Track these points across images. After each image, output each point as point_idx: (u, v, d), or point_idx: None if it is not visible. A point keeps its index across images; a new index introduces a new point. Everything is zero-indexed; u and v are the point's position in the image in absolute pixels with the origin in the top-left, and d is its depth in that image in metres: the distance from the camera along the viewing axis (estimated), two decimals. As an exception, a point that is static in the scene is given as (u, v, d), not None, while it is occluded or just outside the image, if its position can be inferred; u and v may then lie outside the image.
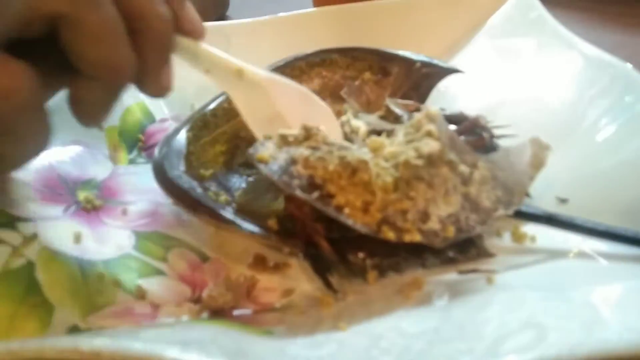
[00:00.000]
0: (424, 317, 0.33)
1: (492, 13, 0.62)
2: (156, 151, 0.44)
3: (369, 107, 0.50)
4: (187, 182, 0.41)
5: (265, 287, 0.39)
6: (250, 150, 0.38)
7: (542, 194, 0.42)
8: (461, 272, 0.38)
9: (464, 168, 0.38)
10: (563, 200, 0.42)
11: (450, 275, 0.38)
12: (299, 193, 0.36)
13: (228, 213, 0.40)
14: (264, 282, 0.40)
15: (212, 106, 0.49)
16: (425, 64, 0.51)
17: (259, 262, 0.41)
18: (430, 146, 0.37)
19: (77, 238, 0.39)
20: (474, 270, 0.37)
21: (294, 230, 0.40)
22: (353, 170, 0.37)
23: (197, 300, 0.38)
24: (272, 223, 0.40)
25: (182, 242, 0.42)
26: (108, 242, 0.40)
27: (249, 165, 0.46)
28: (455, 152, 0.38)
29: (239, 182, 0.46)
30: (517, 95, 0.52)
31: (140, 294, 0.37)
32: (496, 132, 0.45)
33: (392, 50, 0.52)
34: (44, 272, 0.35)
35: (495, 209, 0.38)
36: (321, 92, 0.51)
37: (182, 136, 0.45)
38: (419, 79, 0.51)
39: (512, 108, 0.51)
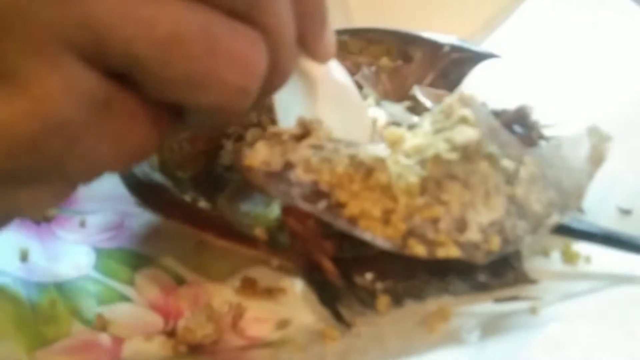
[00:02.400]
0: (452, 356, 0.32)
1: None
2: None
3: (385, 99, 0.47)
4: (159, 178, 0.40)
5: (255, 317, 0.38)
6: (237, 157, 0.36)
7: (600, 202, 0.41)
8: (497, 300, 0.36)
9: (508, 163, 0.35)
10: (626, 212, 0.41)
11: (484, 305, 0.36)
12: (301, 204, 0.34)
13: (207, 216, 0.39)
14: (254, 311, 0.38)
15: None
16: (454, 48, 0.49)
17: (248, 286, 0.39)
18: (465, 135, 0.34)
19: (24, 255, 0.39)
20: (513, 298, 0.36)
21: (287, 244, 0.38)
22: (367, 171, 0.34)
23: (170, 332, 0.36)
24: (260, 232, 0.38)
25: (153, 261, 0.41)
26: (62, 261, 0.40)
27: (235, 168, 0.43)
28: (497, 144, 0.36)
29: (222, 188, 0.44)
30: (570, 82, 0.51)
31: (101, 325, 0.36)
32: (546, 125, 0.43)
33: (415, 31, 0.50)
34: None
35: (547, 214, 0.36)
36: None
37: None
38: (447, 66, 0.49)
39: (564, 97, 0.49)
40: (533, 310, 0.35)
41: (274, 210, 0.40)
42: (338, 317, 0.36)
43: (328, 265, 0.36)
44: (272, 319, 0.38)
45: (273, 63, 0.29)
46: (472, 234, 0.34)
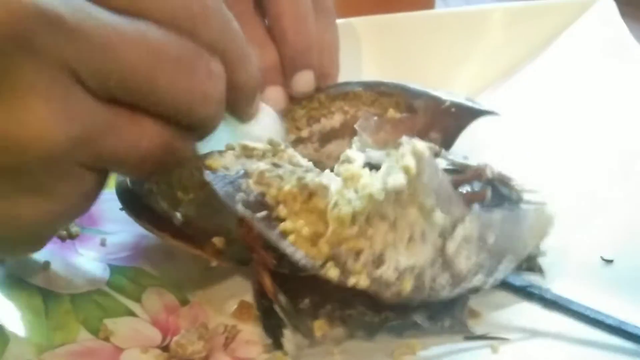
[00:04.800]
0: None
1: (561, 35, 0.61)
2: None
3: (384, 146, 0.47)
4: (139, 185, 0.40)
5: (247, 339, 0.39)
6: (203, 156, 0.38)
7: (584, 252, 0.43)
8: (467, 339, 0.38)
9: (442, 218, 0.37)
10: (608, 261, 0.42)
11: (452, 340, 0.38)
12: (239, 208, 0.35)
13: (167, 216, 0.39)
14: (247, 333, 0.39)
15: None
16: (454, 104, 0.50)
17: (244, 310, 0.41)
18: (397, 181, 0.35)
19: (46, 266, 0.41)
20: (481, 337, 0.38)
21: (243, 259, 0.39)
22: (310, 194, 0.36)
23: (166, 347, 0.38)
24: (218, 241, 0.39)
25: (161, 281, 0.43)
26: (79, 275, 0.42)
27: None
28: (437, 198, 0.37)
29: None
30: (575, 134, 0.52)
31: (105, 335, 0.38)
32: (513, 185, 0.43)
33: (420, 87, 0.52)
34: (5, 300, 0.38)
35: (473, 274, 0.37)
36: (341, 130, 0.52)
37: None
38: (446, 120, 0.51)
39: (563, 150, 0.51)
40: (493, 349, 0.37)
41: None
42: (277, 344, 0.37)
43: (267, 282, 0.37)
44: (262, 342, 0.39)
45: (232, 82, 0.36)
46: (386, 272, 0.35)
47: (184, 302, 0.42)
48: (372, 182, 0.36)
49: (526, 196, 0.43)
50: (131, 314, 0.40)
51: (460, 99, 0.51)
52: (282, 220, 0.35)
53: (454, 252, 0.37)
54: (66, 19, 0.29)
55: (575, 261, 0.43)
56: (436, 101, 0.51)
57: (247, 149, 0.39)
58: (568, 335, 0.38)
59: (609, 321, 0.36)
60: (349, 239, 0.35)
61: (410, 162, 0.36)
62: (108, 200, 0.44)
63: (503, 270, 0.38)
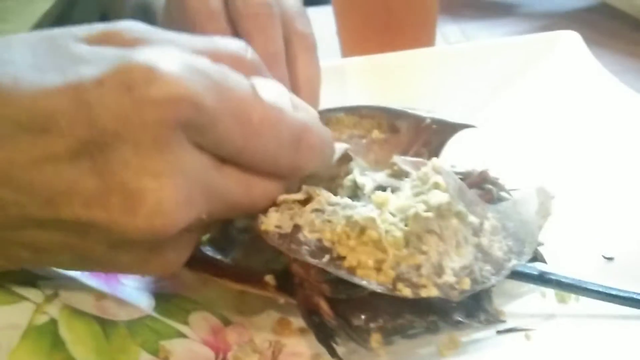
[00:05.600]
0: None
1: (536, 65, 0.66)
2: None
3: (376, 166, 0.52)
4: None
5: (292, 351, 0.42)
6: (254, 223, 0.41)
7: (586, 251, 0.47)
8: (499, 332, 0.42)
9: (473, 219, 0.41)
10: (609, 259, 0.46)
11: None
12: (309, 259, 0.39)
13: (223, 263, 0.44)
14: (290, 346, 0.43)
15: None
16: (434, 121, 0.54)
17: (284, 326, 0.44)
18: (438, 197, 0.40)
19: (98, 298, 0.42)
20: (512, 330, 0.42)
21: (292, 289, 0.42)
22: (361, 229, 0.40)
23: None
24: (269, 279, 0.43)
25: (203, 306, 0.45)
26: (127, 304, 0.43)
27: (247, 230, 0.48)
28: (464, 203, 0.42)
29: (234, 247, 0.48)
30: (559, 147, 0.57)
31: (164, 355, 0.40)
32: (505, 185, 0.49)
33: (400, 107, 0.56)
34: (67, 329, 0.39)
35: (508, 259, 0.41)
36: None
37: None
38: (429, 136, 0.55)
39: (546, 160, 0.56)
40: (527, 337, 0.41)
41: (280, 262, 0.44)
42: (332, 352, 0.40)
43: (324, 307, 0.41)
44: (307, 353, 0.42)
45: None
46: (448, 277, 0.40)
47: (227, 323, 0.45)
48: (410, 204, 0.41)
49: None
50: (183, 336, 0.43)
51: (439, 115, 0.56)
52: (343, 257, 0.40)
53: (488, 244, 0.42)
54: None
55: (576, 259, 0.46)
56: (417, 119, 0.55)
57: (287, 203, 0.42)
58: (584, 314, 0.42)
59: (622, 294, 0.40)
60: (407, 257, 0.40)
61: (439, 179, 0.41)
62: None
63: (528, 252, 0.43)
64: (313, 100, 0.58)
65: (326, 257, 0.39)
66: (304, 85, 0.57)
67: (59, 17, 0.78)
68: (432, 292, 0.39)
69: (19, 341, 0.36)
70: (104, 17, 0.91)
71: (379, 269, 0.39)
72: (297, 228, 0.40)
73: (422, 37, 0.77)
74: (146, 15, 0.88)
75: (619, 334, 0.39)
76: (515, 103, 0.64)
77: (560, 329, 0.41)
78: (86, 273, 0.44)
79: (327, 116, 0.56)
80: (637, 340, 0.38)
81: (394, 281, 0.39)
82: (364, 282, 0.39)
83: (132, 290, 0.45)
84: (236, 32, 0.55)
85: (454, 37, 0.97)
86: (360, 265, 0.39)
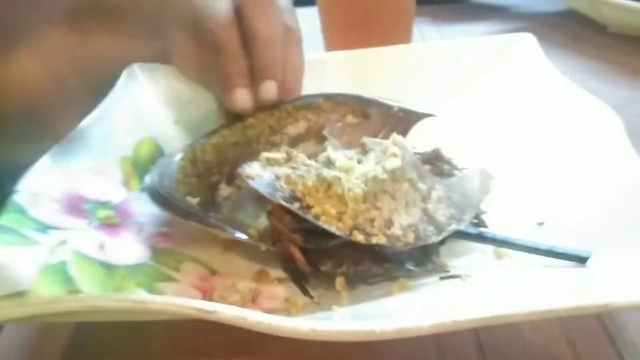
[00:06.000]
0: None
1: (495, 64, 0.71)
2: (150, 176, 0.53)
3: (349, 147, 0.56)
4: (178, 197, 0.51)
5: (269, 296, 0.47)
6: (239, 169, 0.48)
7: (522, 217, 0.52)
8: (442, 279, 0.46)
9: (422, 187, 0.48)
10: (540, 224, 0.51)
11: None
12: (282, 202, 0.45)
13: (214, 219, 0.49)
14: (267, 292, 0.48)
15: (202, 141, 0.58)
16: (401, 109, 0.61)
17: (263, 276, 0.49)
18: (393, 162, 0.47)
19: (102, 246, 0.46)
20: (453, 276, 0.46)
21: (272, 243, 0.48)
22: (328, 184, 0.46)
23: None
24: (253, 232, 0.49)
25: (193, 258, 0.50)
26: (127, 252, 0.47)
27: (229, 197, 0.55)
28: (416, 173, 0.48)
29: (220, 210, 0.54)
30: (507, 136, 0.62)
31: (158, 294, 0.44)
32: (456, 165, 0.55)
33: (372, 97, 0.62)
34: (76, 269, 0.43)
35: (449, 224, 0.48)
36: (306, 134, 0.61)
37: (174, 165, 0.55)
38: (396, 122, 0.61)
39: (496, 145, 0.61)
40: (463, 279, 0.45)
41: (262, 222, 0.51)
42: (305, 292, 0.47)
43: (298, 255, 0.47)
44: (282, 295, 0.47)
45: None
46: (396, 230, 0.46)
47: (213, 273, 0.50)
48: (371, 169, 0.48)
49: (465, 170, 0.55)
50: (174, 280, 0.47)
51: (406, 105, 0.62)
52: (311, 207, 0.46)
53: (433, 210, 0.48)
54: None
55: (513, 224, 0.51)
56: (386, 107, 0.62)
57: (270, 159, 0.49)
58: (515, 265, 0.47)
59: (543, 247, 0.46)
60: (364, 212, 0.46)
61: (396, 150, 0.49)
62: (137, 199, 0.54)
63: (467, 220, 0.49)
64: (297, 86, 0.63)
65: (297, 204, 0.46)
66: (290, 73, 0.62)
67: None
68: (381, 240, 0.45)
69: (36, 276, 0.40)
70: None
71: (339, 219, 0.46)
72: (275, 178, 0.47)
73: (397, 35, 0.83)
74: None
75: (540, 277, 0.44)
76: (474, 95, 0.69)
77: (492, 275, 0.47)
78: (92, 226, 0.48)
79: (308, 101, 0.63)
80: (553, 282, 0.44)
81: (351, 229, 0.45)
82: (326, 226, 0.45)
83: (132, 243, 0.49)
84: (240, 18, 0.61)
85: (432, 37, 1.03)
86: (325, 213, 0.46)
